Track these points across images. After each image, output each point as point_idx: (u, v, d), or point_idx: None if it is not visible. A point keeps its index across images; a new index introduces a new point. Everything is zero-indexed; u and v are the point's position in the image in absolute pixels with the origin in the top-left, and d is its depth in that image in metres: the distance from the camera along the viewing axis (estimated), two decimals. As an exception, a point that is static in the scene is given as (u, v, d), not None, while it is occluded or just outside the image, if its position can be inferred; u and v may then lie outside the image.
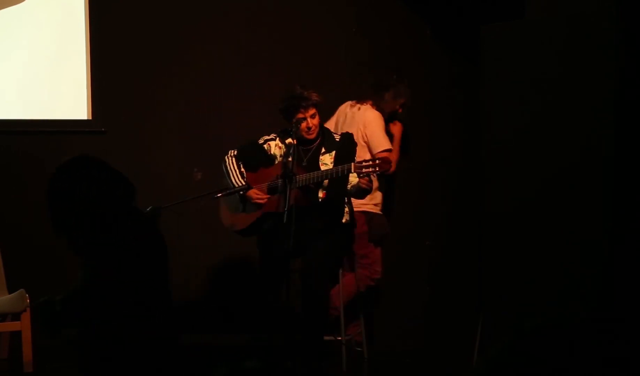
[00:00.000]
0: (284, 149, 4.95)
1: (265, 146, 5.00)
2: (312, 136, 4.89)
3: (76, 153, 5.77)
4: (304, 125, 4.82)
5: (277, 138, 4.99)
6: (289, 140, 4.91)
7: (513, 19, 4.77)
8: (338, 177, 4.71)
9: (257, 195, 4.89)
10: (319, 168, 4.87)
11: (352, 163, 4.62)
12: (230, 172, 4.98)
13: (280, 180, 4.74)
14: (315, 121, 4.87)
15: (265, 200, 4.87)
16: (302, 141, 4.89)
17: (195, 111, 5.94)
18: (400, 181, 5.84)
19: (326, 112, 5.13)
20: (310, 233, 4.82)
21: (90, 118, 5.83)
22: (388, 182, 5.69)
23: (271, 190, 4.88)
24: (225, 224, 5.07)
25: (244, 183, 4.92)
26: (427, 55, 6.05)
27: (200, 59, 5.93)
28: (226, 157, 5.01)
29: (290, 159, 4.74)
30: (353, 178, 4.80)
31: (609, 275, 4.24)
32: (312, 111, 4.84)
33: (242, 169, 4.98)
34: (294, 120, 4.83)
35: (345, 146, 4.92)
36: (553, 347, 1.60)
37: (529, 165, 4.55)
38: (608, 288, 4.25)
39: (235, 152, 5.02)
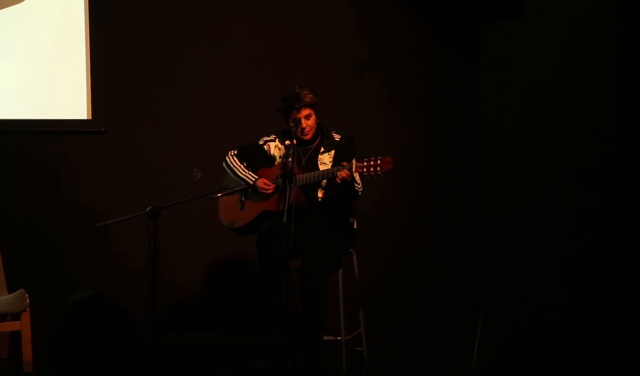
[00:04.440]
0: (284, 150, 4.95)
1: (265, 147, 5.01)
2: (308, 137, 4.88)
3: (76, 153, 5.84)
4: (301, 125, 4.82)
5: (277, 140, 5.00)
6: (288, 141, 4.91)
7: (513, 19, 4.78)
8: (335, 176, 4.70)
9: (264, 184, 4.88)
10: (318, 168, 4.87)
11: (354, 164, 4.61)
12: (235, 168, 4.98)
13: (280, 180, 4.75)
14: (310, 122, 4.84)
15: (272, 188, 4.86)
16: (301, 141, 4.89)
17: (195, 111, 5.94)
18: (401, 181, 5.84)
19: (326, 113, 5.12)
20: (310, 232, 4.82)
21: (90, 118, 5.83)
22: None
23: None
24: (224, 222, 5.08)
25: (253, 176, 4.92)
26: (427, 55, 6.05)
27: (200, 59, 5.93)
28: (227, 157, 5.03)
29: (289, 159, 4.74)
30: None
31: (609, 275, 4.25)
32: (306, 112, 4.82)
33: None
34: (292, 120, 4.83)
35: (345, 147, 4.92)
36: (550, 347, 1.60)
37: (528, 165, 4.55)
38: (608, 288, 4.25)
39: (236, 152, 5.04)
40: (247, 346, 5.05)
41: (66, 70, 5.82)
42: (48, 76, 5.81)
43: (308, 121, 4.83)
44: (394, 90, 6.05)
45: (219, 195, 4.95)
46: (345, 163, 4.66)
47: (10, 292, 5.18)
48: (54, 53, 5.81)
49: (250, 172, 4.95)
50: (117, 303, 2.17)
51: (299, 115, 4.81)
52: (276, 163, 4.96)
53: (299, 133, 4.83)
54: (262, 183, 4.89)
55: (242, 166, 4.98)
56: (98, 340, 2.14)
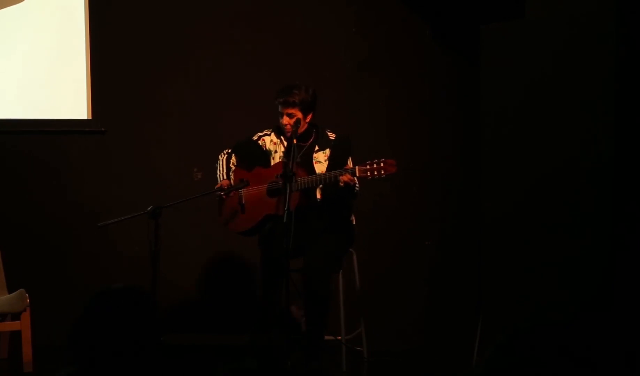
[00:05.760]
0: (280, 145, 4.94)
1: (259, 142, 5.00)
2: (288, 134, 4.85)
3: (76, 153, 5.84)
4: (282, 121, 4.83)
5: (272, 134, 4.99)
6: (284, 136, 4.92)
7: (513, 19, 4.78)
8: (337, 180, 4.69)
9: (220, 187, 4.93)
10: (312, 166, 4.87)
11: (357, 167, 4.60)
12: (217, 167, 5.01)
13: (280, 180, 4.74)
14: (292, 120, 4.83)
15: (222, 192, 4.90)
16: (297, 138, 4.87)
17: (195, 111, 5.94)
18: (401, 181, 5.83)
19: (326, 112, 5.12)
20: (311, 233, 4.82)
21: (90, 118, 5.83)
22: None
23: (272, 192, 4.88)
24: (226, 225, 5.07)
25: (225, 178, 4.94)
26: (427, 55, 6.05)
27: (200, 59, 5.94)
28: (219, 156, 5.05)
29: (291, 157, 4.72)
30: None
31: (609, 275, 4.25)
32: (288, 110, 4.82)
33: (232, 165, 5.00)
34: (279, 114, 4.85)
35: (340, 145, 4.91)
36: (550, 347, 1.60)
37: (528, 164, 4.55)
38: (608, 288, 4.25)
39: (229, 150, 5.04)
40: (247, 346, 5.05)
41: (66, 70, 5.82)
42: (48, 76, 5.81)
43: (288, 119, 4.82)
44: (394, 90, 6.05)
45: (221, 193, 4.94)
46: (348, 167, 4.66)
47: (10, 292, 5.18)
48: (54, 53, 5.81)
49: (224, 173, 4.97)
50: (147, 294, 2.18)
51: (282, 111, 4.83)
52: (272, 160, 4.95)
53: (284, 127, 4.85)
54: (224, 184, 4.93)
55: (225, 167, 4.99)
56: (119, 330, 2.15)
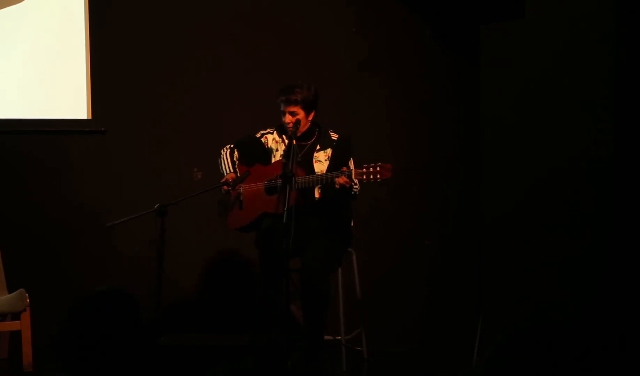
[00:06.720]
0: (282, 144, 4.95)
1: (262, 139, 5.00)
2: (291, 132, 4.86)
3: (76, 153, 5.84)
4: (285, 119, 4.83)
5: (275, 132, 5.00)
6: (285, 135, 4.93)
7: (513, 19, 4.78)
8: (334, 181, 4.68)
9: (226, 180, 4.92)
10: (313, 165, 4.87)
11: (354, 170, 4.60)
12: (221, 162, 5.01)
13: (279, 180, 4.74)
14: (293, 119, 4.84)
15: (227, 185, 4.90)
16: (297, 138, 4.88)
17: (195, 111, 5.94)
18: (400, 181, 5.84)
19: (326, 113, 5.12)
20: (309, 232, 4.82)
21: (90, 118, 5.83)
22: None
23: (270, 190, 4.88)
24: (224, 222, 5.08)
25: (231, 171, 4.94)
26: (427, 55, 6.05)
27: (199, 58, 5.94)
28: (222, 150, 5.05)
29: (290, 158, 4.73)
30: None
31: (609, 275, 4.25)
32: (290, 108, 4.82)
33: (235, 159, 5.01)
34: (281, 112, 4.86)
35: (342, 146, 4.91)
36: (550, 347, 1.60)
37: (528, 164, 4.55)
38: (608, 288, 4.25)
39: (232, 145, 5.05)
40: (247, 346, 5.05)
41: (66, 70, 5.82)
42: (48, 76, 5.81)
43: (291, 117, 4.83)
44: (394, 90, 6.05)
45: (225, 188, 4.94)
46: (345, 169, 4.66)
47: (10, 292, 5.18)
48: (54, 53, 5.81)
49: (229, 166, 4.97)
50: (130, 296, 2.17)
51: (285, 110, 4.83)
52: (273, 158, 4.95)
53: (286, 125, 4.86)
54: (229, 177, 4.91)
55: (229, 161, 5.00)
56: (103, 332, 2.14)
